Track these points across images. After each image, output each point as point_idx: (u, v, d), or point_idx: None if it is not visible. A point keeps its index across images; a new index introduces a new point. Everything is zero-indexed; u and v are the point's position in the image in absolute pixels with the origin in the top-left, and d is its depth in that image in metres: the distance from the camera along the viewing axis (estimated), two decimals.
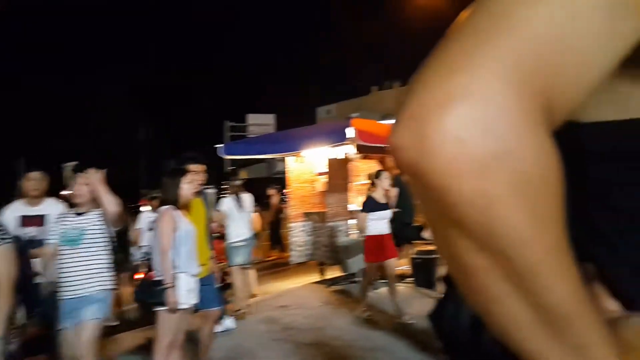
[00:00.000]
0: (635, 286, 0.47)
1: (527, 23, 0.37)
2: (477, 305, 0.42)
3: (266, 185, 10.32)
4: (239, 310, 5.59)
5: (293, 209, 7.83)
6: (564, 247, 0.39)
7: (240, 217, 5.74)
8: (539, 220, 0.37)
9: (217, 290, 4.12)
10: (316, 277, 7.53)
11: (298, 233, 7.69)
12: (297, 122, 11.36)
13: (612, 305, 0.48)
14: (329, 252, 7.31)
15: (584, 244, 0.49)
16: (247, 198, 5.93)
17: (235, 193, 5.88)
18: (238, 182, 6.05)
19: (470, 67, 0.36)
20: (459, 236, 0.38)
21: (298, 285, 7.27)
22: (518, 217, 0.36)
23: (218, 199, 6.00)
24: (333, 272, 7.37)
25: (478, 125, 0.34)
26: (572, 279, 0.40)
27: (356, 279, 7.10)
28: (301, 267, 7.97)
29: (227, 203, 5.76)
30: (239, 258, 5.69)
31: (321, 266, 7.55)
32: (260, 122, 16.69)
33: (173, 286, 3.15)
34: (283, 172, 8.79)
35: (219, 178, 6.27)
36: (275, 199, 9.86)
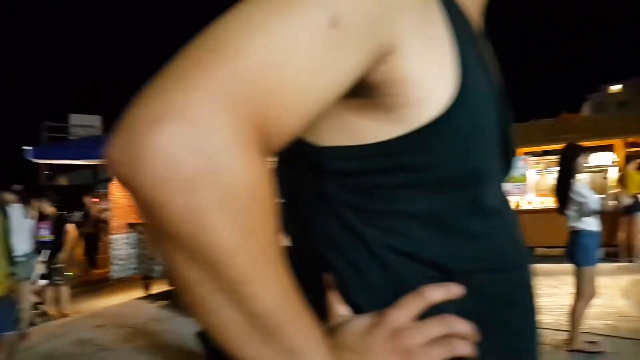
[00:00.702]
0: (359, 291, 0.52)
1: (247, 50, 0.39)
2: (198, 318, 0.43)
3: (89, 194, 9.38)
4: (22, 329, 5.00)
5: (116, 220, 7.26)
6: (273, 257, 0.42)
7: (21, 229, 5.16)
8: (246, 233, 0.39)
9: (13, 312, 3.62)
10: (140, 293, 7.05)
11: (120, 246, 7.13)
12: None
13: (343, 310, 0.51)
14: (156, 265, 6.94)
15: (323, 254, 0.54)
16: (31, 209, 5.45)
17: (17, 202, 5.29)
18: (19, 190, 5.44)
19: (187, 87, 0.37)
20: (173, 250, 0.39)
21: (119, 302, 6.74)
22: (225, 230, 0.38)
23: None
24: (160, 287, 7.00)
25: (188, 143, 0.36)
26: (281, 287, 0.42)
27: None
28: (124, 282, 7.40)
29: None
30: (21, 273, 5.09)
31: (146, 280, 7.09)
32: (84, 124, 15.21)
33: None
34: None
35: (26, 185, 5.52)
36: (93, 209, 9.00)
